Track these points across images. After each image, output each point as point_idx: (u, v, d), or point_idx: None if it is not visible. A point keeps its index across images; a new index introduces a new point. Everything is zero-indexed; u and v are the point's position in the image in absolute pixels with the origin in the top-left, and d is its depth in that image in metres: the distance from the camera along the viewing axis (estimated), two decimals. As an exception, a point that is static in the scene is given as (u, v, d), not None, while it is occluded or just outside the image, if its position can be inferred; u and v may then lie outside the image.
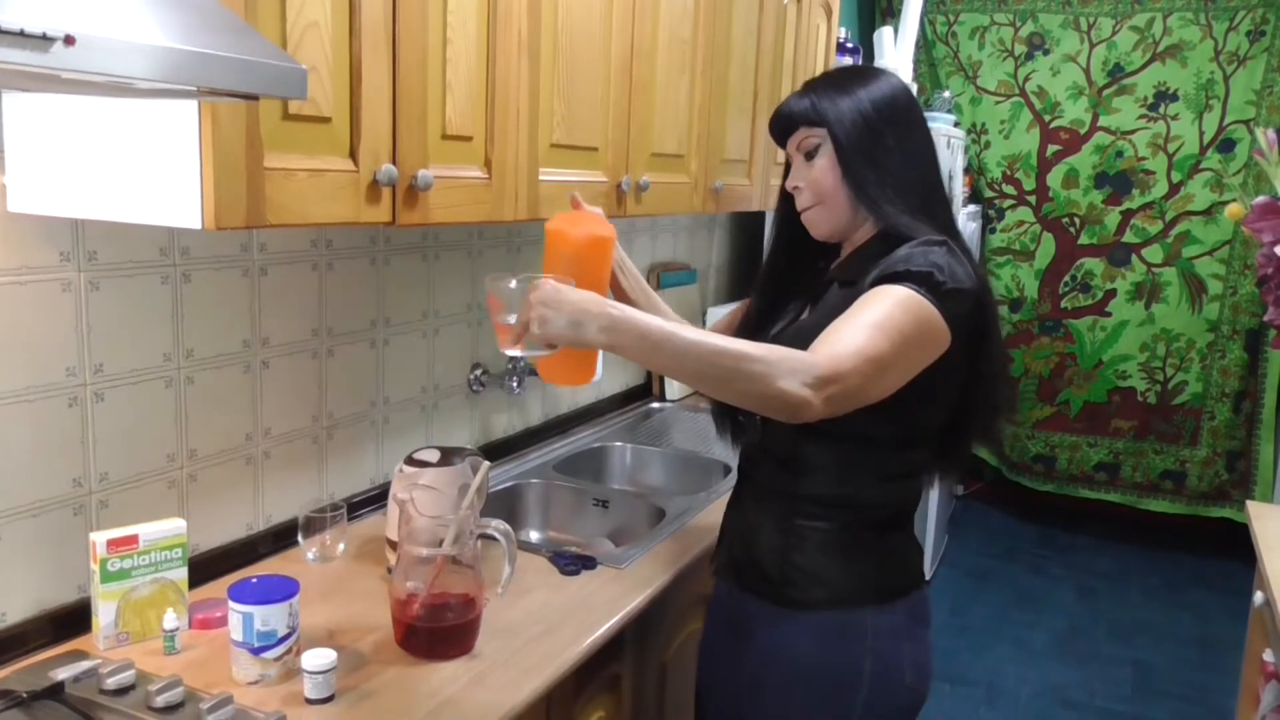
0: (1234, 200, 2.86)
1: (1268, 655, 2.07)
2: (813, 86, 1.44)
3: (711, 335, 1.23)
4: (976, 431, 1.48)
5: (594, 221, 1.46)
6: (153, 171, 1.11)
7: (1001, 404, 1.47)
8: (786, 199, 1.51)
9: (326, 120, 1.23)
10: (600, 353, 1.34)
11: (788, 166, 1.49)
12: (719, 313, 3.07)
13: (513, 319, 1.27)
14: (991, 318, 1.37)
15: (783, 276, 1.55)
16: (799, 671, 1.41)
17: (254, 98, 1.03)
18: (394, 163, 1.33)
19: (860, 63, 3.61)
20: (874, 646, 1.39)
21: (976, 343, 1.34)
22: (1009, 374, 1.46)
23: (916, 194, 1.39)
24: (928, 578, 4.12)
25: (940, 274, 1.26)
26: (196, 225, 1.09)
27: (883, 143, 1.38)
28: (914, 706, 1.46)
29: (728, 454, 2.19)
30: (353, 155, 1.28)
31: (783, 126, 1.46)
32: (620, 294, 1.59)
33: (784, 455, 1.44)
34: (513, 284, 1.27)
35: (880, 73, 1.45)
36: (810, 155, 1.42)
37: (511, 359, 2.27)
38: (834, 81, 1.43)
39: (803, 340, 1.26)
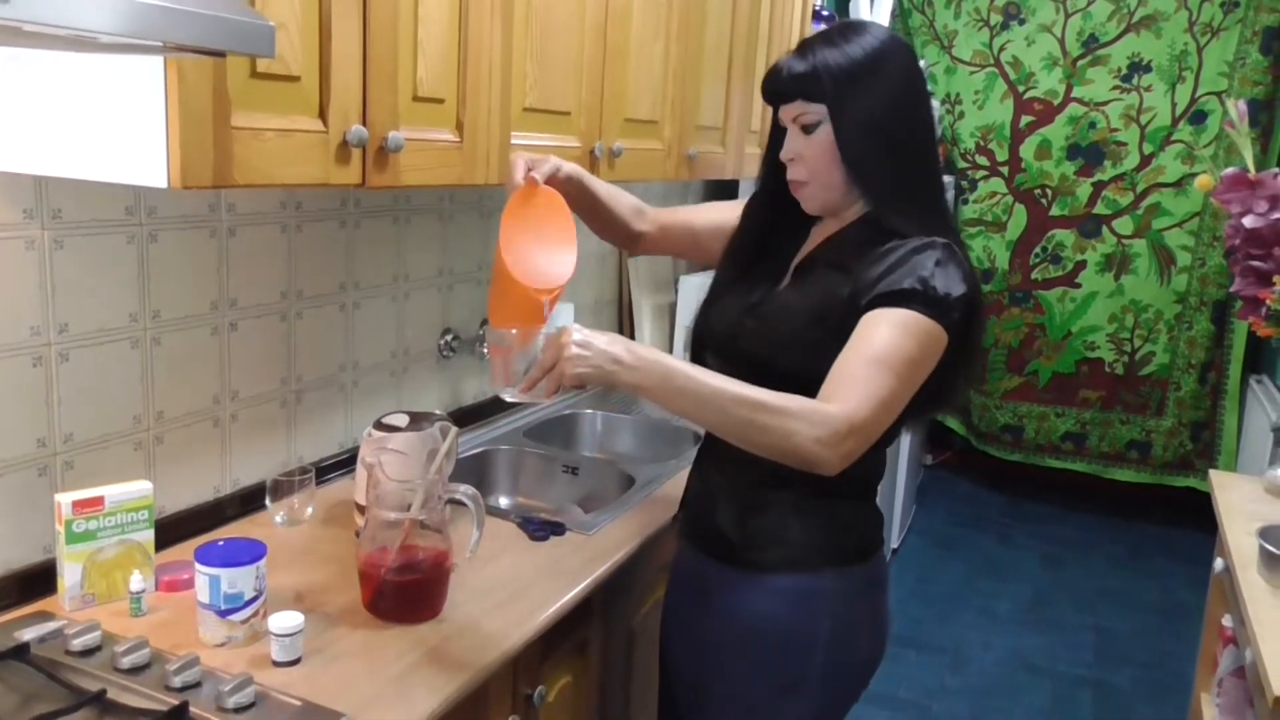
0: (1204, 172, 2.87)
1: (1226, 621, 2.12)
2: (815, 51, 1.32)
3: (733, 382, 1.22)
4: (946, 404, 1.46)
5: (547, 220, 1.40)
6: (118, 129, 1.09)
7: (972, 377, 1.48)
8: (773, 171, 1.45)
9: (295, 79, 1.21)
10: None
11: (774, 131, 1.43)
12: (692, 282, 3.06)
13: (522, 365, 1.30)
14: (981, 308, 1.35)
15: (755, 246, 1.51)
16: (757, 634, 1.42)
17: (221, 54, 1.01)
18: (364, 124, 1.31)
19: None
20: (831, 609, 1.41)
21: (966, 333, 1.32)
22: (982, 351, 1.46)
23: (914, 177, 1.36)
24: (895, 545, 4.17)
25: (936, 289, 1.25)
26: (162, 184, 1.07)
27: (885, 128, 1.32)
28: (869, 666, 1.49)
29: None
30: (322, 115, 1.26)
31: (779, 91, 1.36)
32: (598, 222, 1.69)
33: None
34: (513, 332, 1.31)
35: (889, 44, 1.34)
36: (808, 130, 1.34)
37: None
38: (840, 51, 1.31)
39: (791, 319, 1.33)
